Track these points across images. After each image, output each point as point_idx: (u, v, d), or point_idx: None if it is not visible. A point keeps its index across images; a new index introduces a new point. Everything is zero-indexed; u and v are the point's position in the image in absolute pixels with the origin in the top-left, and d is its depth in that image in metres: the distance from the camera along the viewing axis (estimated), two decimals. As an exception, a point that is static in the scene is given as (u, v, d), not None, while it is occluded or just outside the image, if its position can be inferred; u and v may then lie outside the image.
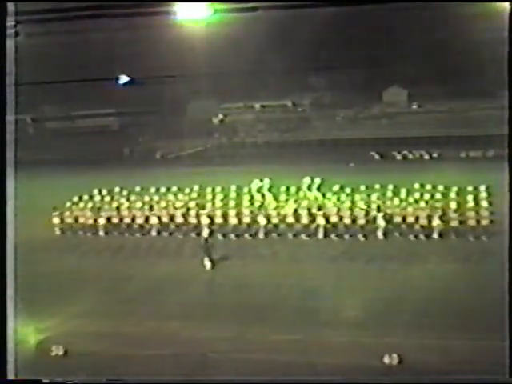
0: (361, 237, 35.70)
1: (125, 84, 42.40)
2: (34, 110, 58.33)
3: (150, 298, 27.70)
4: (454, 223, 35.55)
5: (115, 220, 39.90)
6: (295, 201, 38.47)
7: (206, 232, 36.54)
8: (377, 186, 38.97)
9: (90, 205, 41.10)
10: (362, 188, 38.49)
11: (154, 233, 38.83)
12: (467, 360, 18.37)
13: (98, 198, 41.73)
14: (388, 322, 22.83)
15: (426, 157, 55.25)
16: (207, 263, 32.49)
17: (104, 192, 42.01)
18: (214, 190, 40.56)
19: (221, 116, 66.45)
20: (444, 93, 57.47)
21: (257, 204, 38.89)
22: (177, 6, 43.95)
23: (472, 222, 35.56)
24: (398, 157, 56.01)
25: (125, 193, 41.94)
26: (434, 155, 54.72)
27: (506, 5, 20.99)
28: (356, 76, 57.61)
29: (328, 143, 60.94)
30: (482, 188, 37.27)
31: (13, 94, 17.65)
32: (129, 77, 43.28)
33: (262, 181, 41.05)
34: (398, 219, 36.01)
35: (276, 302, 26.85)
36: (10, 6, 18.37)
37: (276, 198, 39.11)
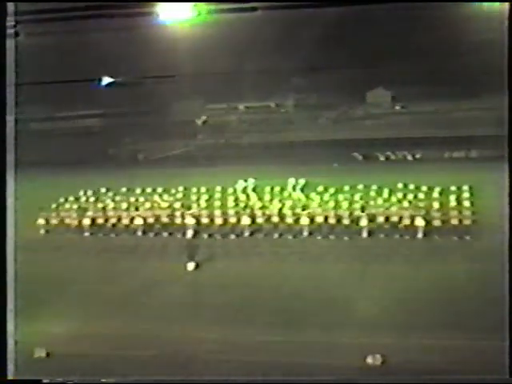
0: (345, 237, 35.73)
1: (108, 85, 42.38)
2: (16, 111, 57.89)
3: (135, 299, 27.54)
4: (437, 223, 35.66)
5: (100, 221, 39.70)
6: (280, 201, 38.54)
7: (190, 233, 36.54)
8: (360, 187, 39.11)
9: (75, 206, 40.90)
10: (346, 188, 38.57)
11: (139, 233, 38.73)
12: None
13: (83, 199, 41.53)
14: (381, 322, 22.80)
15: (409, 158, 55.55)
16: (190, 264, 32.47)
17: (89, 193, 41.83)
18: (199, 190, 40.54)
19: (204, 117, 66.43)
20: (428, 94, 57.80)
21: (242, 204, 38.91)
22: (161, 7, 44.09)
23: (455, 222, 35.70)
24: (382, 158, 56.27)
25: (110, 194, 41.86)
26: (417, 156, 55.08)
27: (504, 5, 21.11)
28: (340, 77, 57.80)
29: (312, 144, 61.05)
30: (465, 188, 37.43)
31: (13, 94, 17.62)
32: (113, 78, 43.26)
33: (246, 181, 41.16)
34: (381, 219, 36.07)
35: (260, 303, 26.76)
36: (10, 6, 18.29)
37: (260, 199, 39.18)
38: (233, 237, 36.92)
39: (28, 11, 23.18)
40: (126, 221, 39.16)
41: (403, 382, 17.42)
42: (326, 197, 38.27)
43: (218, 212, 38.53)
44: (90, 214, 40.05)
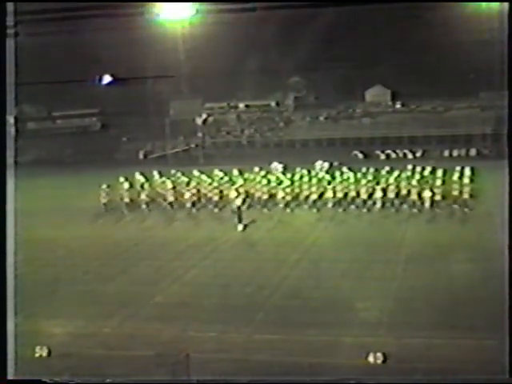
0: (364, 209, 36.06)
1: (108, 84, 42.34)
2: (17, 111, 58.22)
3: (131, 298, 27.28)
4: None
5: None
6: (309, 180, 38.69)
7: (238, 201, 36.73)
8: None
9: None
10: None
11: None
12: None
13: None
14: (383, 318, 22.55)
15: (410, 156, 55.75)
16: (240, 226, 32.88)
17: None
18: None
19: (204, 116, 66.65)
20: (428, 92, 58.00)
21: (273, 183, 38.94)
22: (160, 7, 44.20)
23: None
24: (382, 156, 56.51)
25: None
26: (418, 154, 55.29)
27: (503, 5, 21.02)
28: (339, 76, 58.12)
29: (311, 143, 61.27)
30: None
31: (13, 94, 17.55)
32: (112, 77, 43.28)
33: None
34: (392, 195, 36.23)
35: (259, 301, 26.50)
36: (10, 6, 18.21)
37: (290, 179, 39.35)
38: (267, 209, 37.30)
39: (28, 11, 23.17)
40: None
41: (403, 382, 17.33)
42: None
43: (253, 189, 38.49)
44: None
